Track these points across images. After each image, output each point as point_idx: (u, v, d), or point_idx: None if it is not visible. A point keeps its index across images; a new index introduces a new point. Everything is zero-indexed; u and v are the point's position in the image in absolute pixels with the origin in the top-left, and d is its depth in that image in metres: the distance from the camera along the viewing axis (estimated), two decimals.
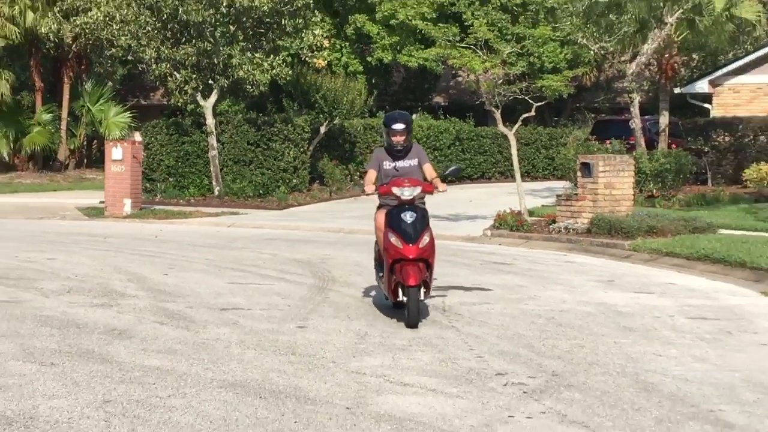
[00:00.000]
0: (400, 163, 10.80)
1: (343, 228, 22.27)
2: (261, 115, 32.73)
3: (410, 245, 10.07)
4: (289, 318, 10.84)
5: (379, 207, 10.95)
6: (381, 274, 10.84)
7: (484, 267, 15.46)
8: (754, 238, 17.59)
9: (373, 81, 42.28)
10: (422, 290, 10.12)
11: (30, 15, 40.13)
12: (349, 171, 34.16)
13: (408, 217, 10.22)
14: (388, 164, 10.84)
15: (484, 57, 36.76)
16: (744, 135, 31.88)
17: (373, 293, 12.55)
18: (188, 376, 8.17)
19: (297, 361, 8.76)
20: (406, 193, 10.41)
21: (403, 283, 10.01)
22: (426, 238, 10.19)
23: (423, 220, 10.32)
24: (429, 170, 10.90)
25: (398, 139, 10.73)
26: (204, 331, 10.08)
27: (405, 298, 10.05)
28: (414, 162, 10.85)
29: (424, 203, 10.81)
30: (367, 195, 10.90)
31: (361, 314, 11.12)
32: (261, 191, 30.86)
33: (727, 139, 32.06)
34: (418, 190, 10.49)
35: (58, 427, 6.74)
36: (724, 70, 34.30)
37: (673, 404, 7.56)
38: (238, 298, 12.21)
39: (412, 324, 10.03)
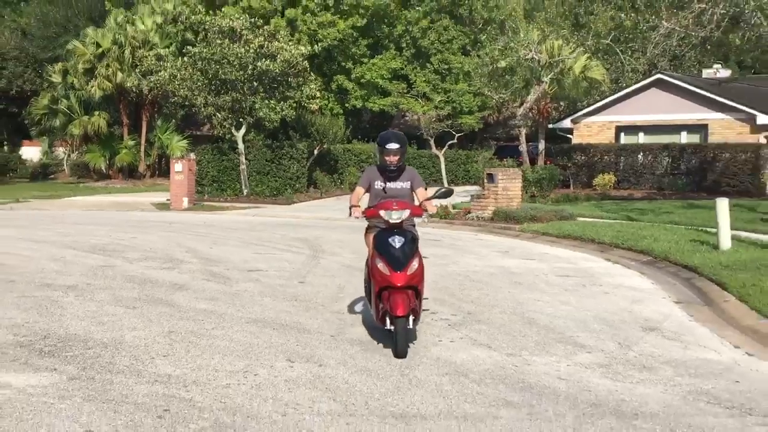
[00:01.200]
0: (391, 184, 7.29)
1: (330, 217, 22.21)
2: (274, 141, 32.43)
3: (398, 272, 6.68)
4: (294, 277, 10.81)
5: (369, 228, 7.42)
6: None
7: (421, 243, 15.44)
8: (601, 223, 17.66)
9: (349, 119, 42.17)
10: (411, 318, 6.73)
11: (119, 74, 39.63)
12: (333, 179, 34.04)
13: (396, 242, 6.85)
14: (378, 184, 7.34)
15: (423, 103, 36.80)
16: (594, 155, 32.01)
17: (350, 260, 12.53)
18: (225, 315, 8.14)
19: (298, 305, 8.75)
20: (394, 216, 6.97)
21: (390, 313, 6.69)
22: (415, 264, 6.80)
23: (412, 244, 6.94)
24: (422, 193, 7.35)
25: (392, 159, 7.18)
26: (236, 285, 10.04)
27: (393, 327, 6.71)
28: (406, 184, 7.32)
29: (414, 225, 7.48)
30: (356, 218, 7.22)
31: (341, 274, 11.10)
32: (275, 192, 30.64)
33: (583, 158, 32.18)
34: (407, 213, 7.04)
35: (138, 348, 6.69)
36: (581, 112, 34.40)
37: (546, 332, 7.60)
38: (259, 263, 12.15)
39: (400, 354, 6.59)
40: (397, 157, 7.17)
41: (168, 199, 27.86)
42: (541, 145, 31.09)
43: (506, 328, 7.75)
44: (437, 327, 7.71)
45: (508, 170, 20.54)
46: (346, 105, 42.31)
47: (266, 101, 29.71)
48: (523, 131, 29.46)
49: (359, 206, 7.27)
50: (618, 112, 33.17)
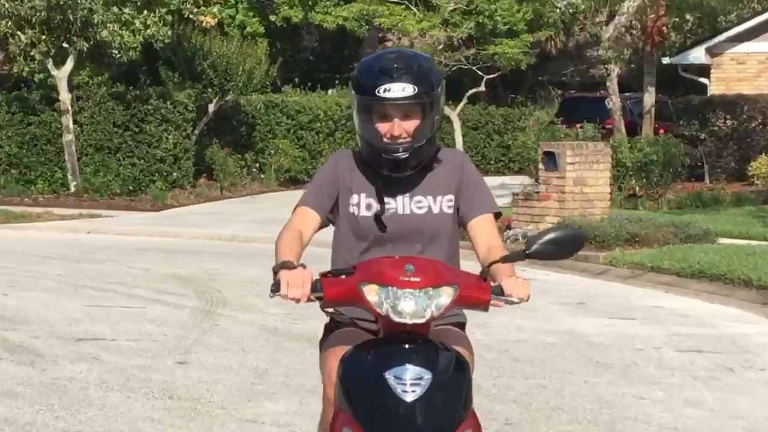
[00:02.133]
0: (398, 204, 5.15)
1: (237, 235, 22.14)
2: (131, 88, 32.35)
3: None
4: (166, 351, 10.77)
5: (331, 329, 5.27)
6: None
7: None
8: (762, 248, 17.74)
9: (278, 46, 42.12)
10: None
11: None
12: (245, 162, 33.97)
13: (407, 389, 4.52)
14: (361, 204, 5.15)
15: (420, 16, 36.89)
16: (750, 118, 32.15)
17: (276, 319, 12.50)
18: (33, 426, 8.08)
19: (176, 407, 8.71)
20: (407, 307, 4.56)
21: None
22: None
23: (454, 392, 4.68)
24: (488, 232, 5.18)
25: (395, 131, 4.97)
26: (54, 368, 9.96)
27: None
28: (441, 203, 5.17)
29: (463, 323, 5.29)
30: (294, 301, 4.61)
31: (259, 346, 11.07)
32: (131, 187, 30.54)
33: (728, 123, 32.28)
34: (447, 298, 4.62)
35: None
36: (726, 35, 34.48)
37: None
38: (99, 325, 12.07)
39: None
40: (413, 123, 5.02)
41: None
42: (649, 98, 31.26)
43: None
44: None
45: (585, 146, 20.59)
46: (272, 18, 42.30)
47: (114, 10, 29.63)
48: (615, 71, 29.57)
49: (302, 267, 4.73)
50: None
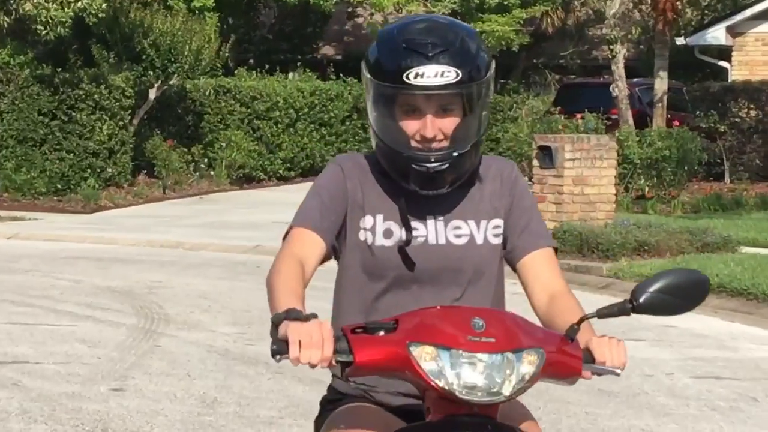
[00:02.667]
0: (429, 230, 4.38)
1: (182, 242, 22.07)
2: (60, 70, 32.19)
3: None
4: (100, 376, 10.74)
5: (333, 403, 4.40)
6: None
7: None
8: None
9: (230, 22, 42.05)
10: None
11: None
12: (192, 156, 33.83)
13: None
14: (377, 229, 4.36)
15: None
16: None
17: (227, 339, 12.50)
18: None
19: None
20: (478, 379, 3.70)
21: None
22: None
23: None
24: (550, 273, 4.44)
25: (429, 131, 4.20)
26: None
27: None
28: (489, 230, 4.44)
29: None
30: (310, 366, 3.74)
31: (208, 370, 11.06)
32: (59, 186, 30.36)
33: (753, 114, 32.24)
34: (530, 366, 3.79)
35: None
36: (750, 11, 34.46)
37: None
38: (20, 346, 12.05)
39: None
40: (453, 121, 4.25)
41: None
42: (661, 84, 31.29)
43: None
44: None
45: (587, 140, 20.59)
46: None
47: None
48: (622, 53, 29.60)
49: (314, 317, 3.81)
50: None
